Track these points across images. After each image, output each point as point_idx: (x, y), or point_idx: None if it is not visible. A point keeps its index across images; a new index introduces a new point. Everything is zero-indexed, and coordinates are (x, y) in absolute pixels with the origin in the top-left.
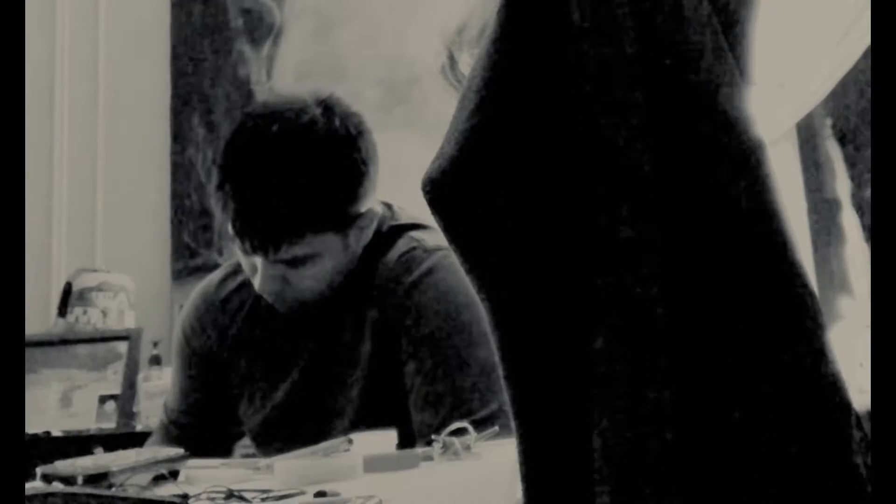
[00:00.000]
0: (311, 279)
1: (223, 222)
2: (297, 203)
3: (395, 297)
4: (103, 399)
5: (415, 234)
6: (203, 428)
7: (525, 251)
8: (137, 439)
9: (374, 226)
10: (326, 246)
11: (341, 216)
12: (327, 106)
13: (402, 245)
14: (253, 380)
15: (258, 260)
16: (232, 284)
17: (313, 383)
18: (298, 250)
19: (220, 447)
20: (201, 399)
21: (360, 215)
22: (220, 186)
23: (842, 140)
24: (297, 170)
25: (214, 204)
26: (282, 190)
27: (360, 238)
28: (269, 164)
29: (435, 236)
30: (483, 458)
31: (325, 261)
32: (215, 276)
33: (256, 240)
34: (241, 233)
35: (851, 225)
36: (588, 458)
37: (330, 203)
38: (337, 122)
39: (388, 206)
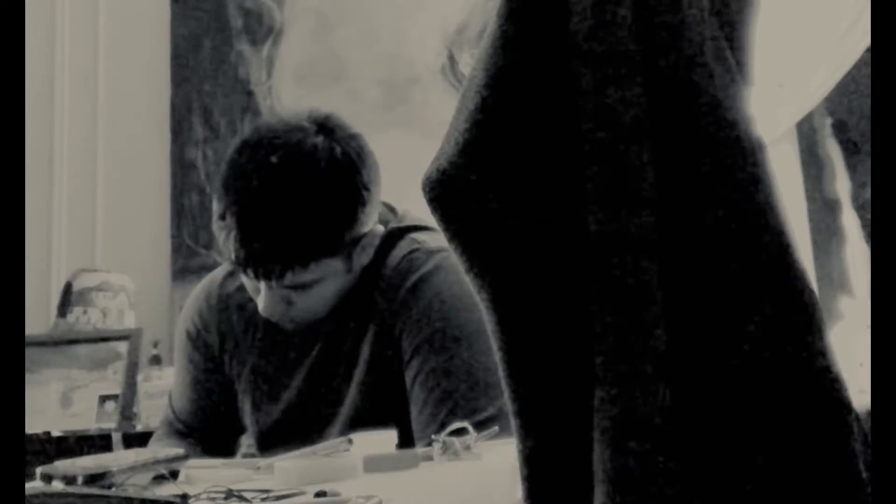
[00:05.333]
0: (316, 301)
1: (226, 252)
2: (300, 233)
3: (397, 298)
4: (103, 399)
5: (416, 235)
6: (207, 425)
7: (525, 251)
8: (137, 439)
9: (376, 242)
10: (330, 270)
11: (345, 241)
12: (327, 130)
13: (403, 247)
14: (257, 383)
15: (262, 284)
16: (235, 282)
17: (317, 387)
18: (303, 277)
19: (224, 443)
20: (204, 398)
21: (362, 236)
22: (221, 216)
23: (842, 140)
24: (299, 201)
25: (217, 233)
26: (285, 221)
27: (363, 256)
28: (271, 195)
29: (436, 237)
30: (483, 458)
31: (329, 283)
32: (218, 272)
33: (260, 269)
34: (245, 263)
35: (851, 225)
36: (588, 458)
37: (333, 231)
38: (338, 148)
39: (391, 209)
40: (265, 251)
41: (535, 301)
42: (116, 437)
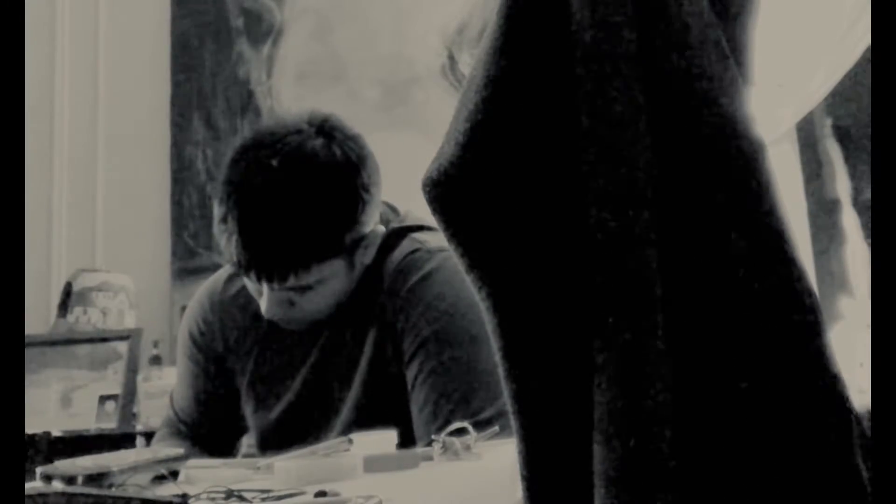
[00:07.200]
0: (318, 302)
1: (228, 255)
2: (301, 236)
3: (398, 298)
4: (103, 399)
5: (418, 235)
6: (209, 426)
7: (525, 250)
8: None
9: (378, 242)
10: (332, 271)
11: (346, 243)
12: (327, 132)
13: (405, 247)
14: (259, 383)
15: (264, 286)
16: (238, 284)
17: (318, 387)
18: (304, 279)
19: (225, 444)
20: (207, 399)
21: (363, 237)
22: (223, 220)
23: (842, 140)
24: (300, 204)
25: (218, 236)
26: (286, 224)
27: (365, 256)
28: (272, 199)
29: (438, 237)
30: (483, 458)
31: (330, 284)
32: (221, 274)
33: (262, 272)
34: (246, 266)
35: (851, 225)
36: (588, 458)
37: (334, 233)
38: (338, 150)
39: (393, 209)
40: (266, 254)
41: (535, 301)
42: (140, 442)
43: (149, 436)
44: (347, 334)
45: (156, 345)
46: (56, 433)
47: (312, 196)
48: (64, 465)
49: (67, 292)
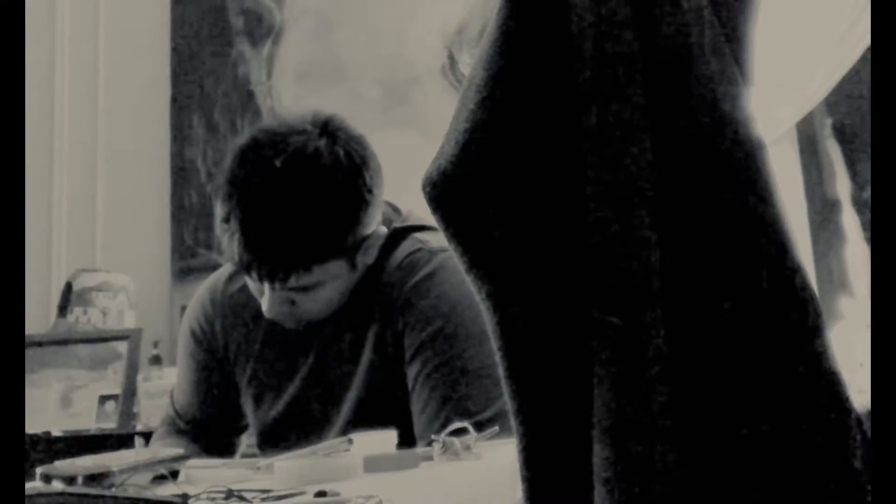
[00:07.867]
0: (319, 302)
1: (230, 254)
2: (303, 237)
3: (399, 298)
4: (103, 399)
5: (419, 235)
6: (209, 424)
7: (525, 250)
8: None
9: (379, 243)
10: (333, 272)
11: (348, 244)
12: (330, 133)
13: (406, 246)
14: (259, 381)
15: (265, 286)
16: (239, 282)
17: (319, 386)
18: (306, 280)
19: (225, 442)
20: (207, 396)
21: (365, 237)
22: (225, 219)
23: (842, 140)
24: (302, 204)
25: (220, 235)
26: (288, 225)
27: (366, 257)
28: (275, 199)
29: (440, 237)
30: (483, 458)
31: (332, 285)
32: (222, 273)
33: (263, 272)
34: (248, 266)
35: (851, 225)
36: (588, 458)
37: (336, 234)
38: (341, 151)
39: (395, 208)
40: (268, 255)
41: (534, 301)
42: (140, 442)
43: (149, 436)
44: (348, 334)
45: (156, 345)
46: (56, 433)
47: (315, 197)
48: (64, 465)
49: (67, 292)
